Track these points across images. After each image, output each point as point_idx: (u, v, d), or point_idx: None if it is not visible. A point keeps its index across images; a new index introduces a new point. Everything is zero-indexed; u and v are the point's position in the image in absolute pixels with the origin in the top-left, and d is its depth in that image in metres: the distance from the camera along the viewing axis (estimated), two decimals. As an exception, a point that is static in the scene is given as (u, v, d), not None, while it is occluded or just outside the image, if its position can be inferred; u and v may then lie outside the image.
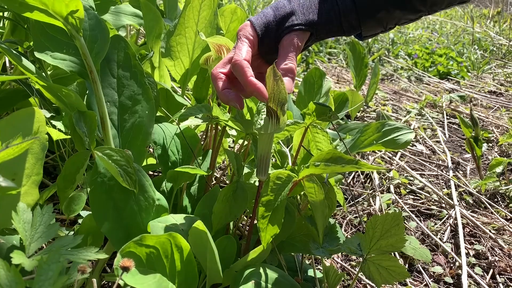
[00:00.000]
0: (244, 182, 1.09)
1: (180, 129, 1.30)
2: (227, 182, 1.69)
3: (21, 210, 0.82)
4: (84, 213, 1.27)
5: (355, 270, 1.53)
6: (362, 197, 2.05)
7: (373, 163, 2.38)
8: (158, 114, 1.41)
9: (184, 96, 1.57)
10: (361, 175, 2.25)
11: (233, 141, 1.83)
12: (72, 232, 1.13)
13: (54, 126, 1.31)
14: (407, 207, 2.00)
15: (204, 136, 1.41)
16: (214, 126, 1.34)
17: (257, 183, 1.16)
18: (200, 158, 1.32)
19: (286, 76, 0.95)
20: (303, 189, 1.07)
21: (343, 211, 1.91)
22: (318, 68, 1.91)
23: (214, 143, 1.30)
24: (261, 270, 1.03)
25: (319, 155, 1.00)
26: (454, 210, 1.95)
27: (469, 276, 1.57)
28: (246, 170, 1.21)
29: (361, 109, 3.20)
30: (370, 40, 5.24)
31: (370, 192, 2.07)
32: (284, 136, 1.23)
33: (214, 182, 1.62)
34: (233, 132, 1.76)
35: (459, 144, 2.83)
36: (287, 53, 0.97)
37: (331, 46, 5.13)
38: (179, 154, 1.29)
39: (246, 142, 1.41)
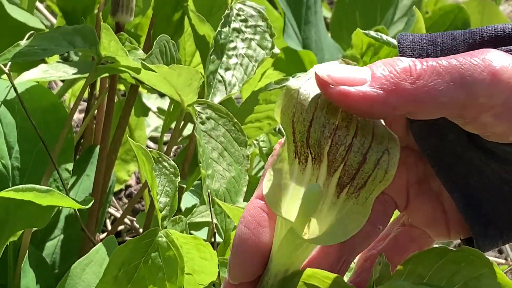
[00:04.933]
0: (172, 234, 0.64)
1: (16, 91, 0.82)
2: (141, 231, 1.05)
3: None
4: None
5: None
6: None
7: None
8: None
9: (37, 7, 1.20)
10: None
11: (164, 126, 0.97)
12: None
13: None
14: None
15: (84, 111, 1.01)
16: (108, 85, 0.90)
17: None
18: (68, 167, 0.88)
19: None
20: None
21: None
22: None
23: (106, 129, 0.86)
24: None
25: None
26: None
27: None
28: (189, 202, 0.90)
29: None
30: None
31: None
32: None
33: (106, 232, 1.04)
34: (161, 104, 1.14)
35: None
36: None
37: None
38: (13, 156, 0.88)
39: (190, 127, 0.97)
